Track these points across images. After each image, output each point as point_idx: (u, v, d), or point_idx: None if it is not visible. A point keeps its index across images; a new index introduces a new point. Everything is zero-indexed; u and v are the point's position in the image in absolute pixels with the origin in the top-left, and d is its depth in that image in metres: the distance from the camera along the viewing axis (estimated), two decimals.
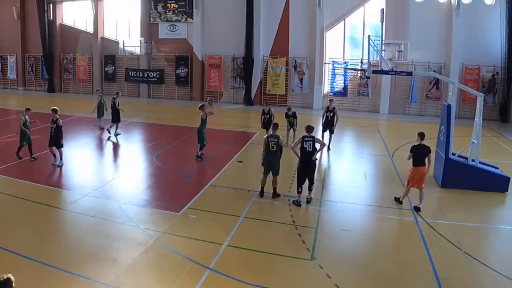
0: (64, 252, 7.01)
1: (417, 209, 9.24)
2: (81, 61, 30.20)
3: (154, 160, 13.07)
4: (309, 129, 9.56)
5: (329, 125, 14.66)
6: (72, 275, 6.26)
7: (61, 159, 12.00)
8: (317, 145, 9.59)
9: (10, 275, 3.65)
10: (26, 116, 12.50)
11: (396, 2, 22.70)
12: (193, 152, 13.11)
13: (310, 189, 9.63)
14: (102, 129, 17.10)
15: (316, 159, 9.58)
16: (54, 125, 11.83)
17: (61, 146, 12.00)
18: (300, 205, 9.43)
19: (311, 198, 9.65)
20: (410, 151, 9.38)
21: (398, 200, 9.69)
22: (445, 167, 10.78)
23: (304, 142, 9.36)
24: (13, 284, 3.65)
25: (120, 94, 17.25)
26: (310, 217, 8.92)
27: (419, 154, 9.23)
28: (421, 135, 9.48)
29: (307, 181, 9.54)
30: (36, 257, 6.72)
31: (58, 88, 31.13)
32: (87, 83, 30.19)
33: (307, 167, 9.47)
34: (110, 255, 6.96)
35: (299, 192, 9.51)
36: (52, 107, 12.05)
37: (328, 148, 14.59)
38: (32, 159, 12.45)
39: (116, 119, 16.09)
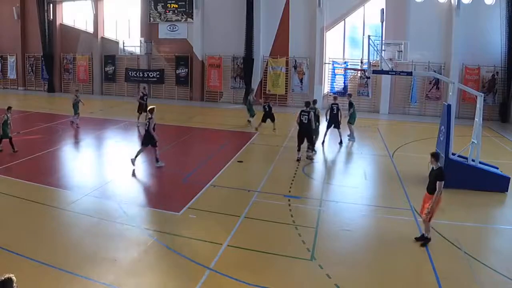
0: (64, 252, 7.01)
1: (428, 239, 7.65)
2: (81, 61, 30.14)
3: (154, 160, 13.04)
4: (307, 104, 12.92)
5: (335, 119, 15.26)
6: (72, 275, 6.26)
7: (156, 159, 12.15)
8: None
9: (11, 275, 3.67)
10: None
11: (396, 2, 22.66)
12: (193, 152, 13.09)
13: (309, 148, 12.90)
14: (72, 122, 17.67)
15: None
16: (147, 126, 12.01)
17: (153, 144, 12.06)
18: (299, 160, 12.71)
19: (311, 155, 12.92)
20: (443, 179, 7.37)
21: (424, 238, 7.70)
22: (445, 167, 10.68)
23: (301, 115, 12.56)
24: (14, 284, 3.66)
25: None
26: (310, 217, 8.91)
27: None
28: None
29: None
30: (36, 257, 6.72)
31: (58, 88, 31.04)
32: (87, 83, 30.17)
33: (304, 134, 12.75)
34: (110, 255, 6.96)
35: (298, 150, 12.86)
36: (149, 107, 12.33)
37: (341, 143, 15.38)
38: None
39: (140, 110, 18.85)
